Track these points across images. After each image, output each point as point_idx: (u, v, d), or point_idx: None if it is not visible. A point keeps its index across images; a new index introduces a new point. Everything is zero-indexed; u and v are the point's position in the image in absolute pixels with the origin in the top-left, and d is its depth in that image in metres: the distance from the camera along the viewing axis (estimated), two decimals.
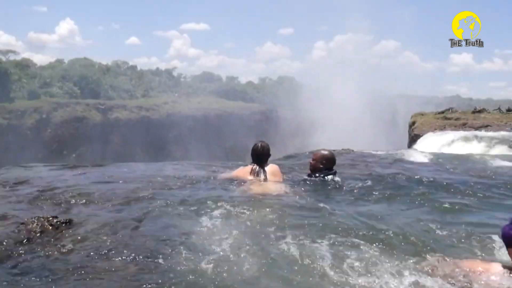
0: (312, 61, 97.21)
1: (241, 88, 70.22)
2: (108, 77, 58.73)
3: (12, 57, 55.40)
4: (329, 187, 4.22)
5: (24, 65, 54.07)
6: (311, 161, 4.57)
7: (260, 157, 4.32)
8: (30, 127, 44.93)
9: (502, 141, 11.75)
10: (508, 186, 4.67)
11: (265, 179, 4.21)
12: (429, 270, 2.21)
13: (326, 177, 4.35)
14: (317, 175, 4.38)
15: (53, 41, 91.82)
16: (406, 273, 2.18)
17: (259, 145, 4.38)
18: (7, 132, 42.67)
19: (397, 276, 2.16)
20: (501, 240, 2.16)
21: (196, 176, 4.69)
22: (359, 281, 2.12)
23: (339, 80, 63.10)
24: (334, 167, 4.50)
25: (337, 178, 4.41)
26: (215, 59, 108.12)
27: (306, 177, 4.48)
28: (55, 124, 46.56)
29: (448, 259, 2.31)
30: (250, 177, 4.20)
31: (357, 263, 2.29)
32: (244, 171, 4.33)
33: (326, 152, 4.58)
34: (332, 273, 2.20)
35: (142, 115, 52.74)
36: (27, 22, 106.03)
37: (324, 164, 4.43)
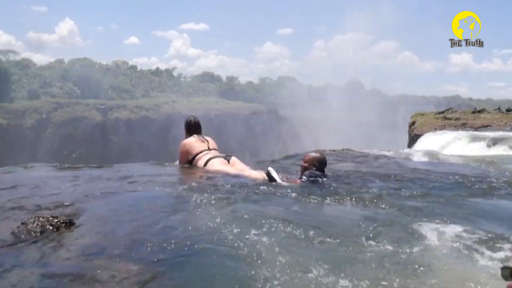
0: (312, 61, 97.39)
1: (241, 88, 70.31)
2: (108, 77, 58.80)
3: (12, 57, 55.57)
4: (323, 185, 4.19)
5: (24, 65, 54.19)
6: (302, 164, 4.48)
7: (197, 127, 5.16)
8: (30, 127, 44.97)
9: (502, 141, 11.75)
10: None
11: (208, 143, 5.04)
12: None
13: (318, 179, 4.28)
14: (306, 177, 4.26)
15: (53, 41, 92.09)
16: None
17: (192, 118, 5.24)
18: (7, 132, 42.68)
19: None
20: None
21: (194, 174, 4.69)
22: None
23: (339, 80, 63.06)
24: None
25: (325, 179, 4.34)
26: (215, 59, 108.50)
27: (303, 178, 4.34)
28: (55, 124, 46.60)
29: None
30: (197, 145, 4.98)
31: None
32: (190, 141, 5.03)
33: (317, 154, 4.49)
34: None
35: (142, 115, 52.79)
36: (27, 22, 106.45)
37: (317, 167, 4.36)
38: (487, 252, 2.49)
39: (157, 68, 71.17)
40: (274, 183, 4.21)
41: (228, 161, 4.91)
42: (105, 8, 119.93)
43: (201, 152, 4.97)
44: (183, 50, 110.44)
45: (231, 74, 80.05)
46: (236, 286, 2.07)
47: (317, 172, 4.33)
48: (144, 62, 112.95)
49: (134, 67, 67.83)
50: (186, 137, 5.16)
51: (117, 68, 64.99)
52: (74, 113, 47.90)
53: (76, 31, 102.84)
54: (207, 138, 5.15)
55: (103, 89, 55.73)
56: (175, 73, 72.58)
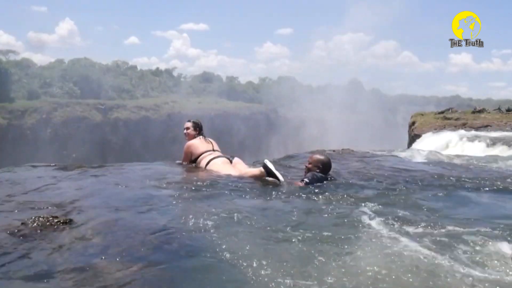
0: (312, 61, 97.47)
1: (241, 88, 70.21)
2: (108, 77, 58.67)
3: (12, 57, 55.44)
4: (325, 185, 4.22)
5: (24, 65, 54.07)
6: (307, 165, 4.50)
7: (202, 128, 5.42)
8: (30, 127, 44.92)
9: (502, 141, 11.75)
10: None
11: (212, 145, 5.22)
12: None
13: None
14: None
15: (53, 41, 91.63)
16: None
17: (199, 121, 5.52)
18: (7, 132, 42.66)
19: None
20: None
21: (193, 174, 4.70)
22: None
23: (339, 80, 63.06)
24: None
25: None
26: (214, 59, 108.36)
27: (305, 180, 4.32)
28: (55, 124, 46.55)
29: None
30: (202, 146, 5.16)
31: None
32: (195, 143, 5.20)
33: (322, 157, 4.50)
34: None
35: (142, 115, 52.72)
36: (27, 22, 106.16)
37: (321, 169, 4.37)
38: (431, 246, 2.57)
39: (157, 68, 71.12)
40: (271, 181, 4.26)
41: (231, 162, 4.98)
42: (105, 8, 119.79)
43: (205, 152, 5.12)
44: (183, 50, 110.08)
45: (231, 74, 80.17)
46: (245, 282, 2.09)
47: (319, 174, 4.34)
48: (144, 62, 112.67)
49: (134, 67, 67.78)
50: (194, 137, 5.31)
51: (117, 68, 64.90)
52: (74, 113, 47.84)
53: (76, 31, 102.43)
54: (211, 139, 5.33)
55: (103, 89, 55.57)
56: (175, 73, 72.55)
